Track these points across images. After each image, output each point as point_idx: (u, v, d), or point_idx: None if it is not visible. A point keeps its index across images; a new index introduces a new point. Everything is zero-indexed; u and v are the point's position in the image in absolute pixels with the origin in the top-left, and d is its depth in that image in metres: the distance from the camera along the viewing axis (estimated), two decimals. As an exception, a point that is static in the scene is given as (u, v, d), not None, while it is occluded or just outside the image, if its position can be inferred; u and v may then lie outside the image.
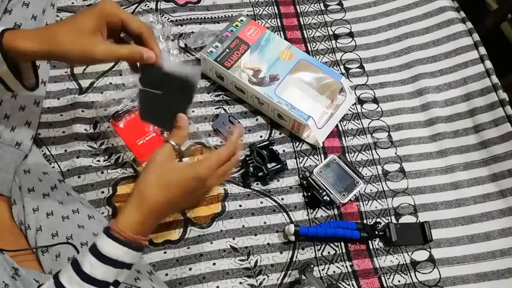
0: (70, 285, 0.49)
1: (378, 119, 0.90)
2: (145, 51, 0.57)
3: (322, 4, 1.03)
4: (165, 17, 0.96)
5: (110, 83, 0.87)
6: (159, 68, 0.58)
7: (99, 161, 0.80)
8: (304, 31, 0.99)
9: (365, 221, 0.80)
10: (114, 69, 0.89)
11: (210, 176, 0.54)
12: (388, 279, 0.75)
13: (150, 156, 0.54)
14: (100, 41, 0.56)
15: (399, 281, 0.75)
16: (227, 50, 0.86)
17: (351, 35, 1.00)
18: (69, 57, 0.56)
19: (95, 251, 0.50)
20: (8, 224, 0.66)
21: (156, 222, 0.54)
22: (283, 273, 0.74)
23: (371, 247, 0.78)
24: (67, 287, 0.49)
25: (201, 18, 0.97)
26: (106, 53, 0.56)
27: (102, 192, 0.77)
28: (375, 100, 0.92)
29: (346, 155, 0.86)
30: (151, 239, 0.74)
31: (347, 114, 0.90)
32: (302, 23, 1.00)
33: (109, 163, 0.80)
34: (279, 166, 0.80)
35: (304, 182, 0.81)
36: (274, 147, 0.83)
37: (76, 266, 0.49)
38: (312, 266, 0.71)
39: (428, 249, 0.78)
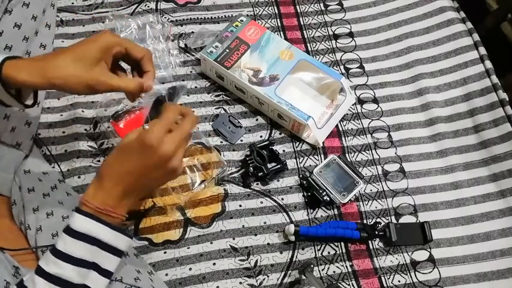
0: (47, 266, 0.49)
1: (378, 119, 0.90)
2: (145, 82, 0.59)
3: (322, 4, 1.03)
4: (165, 17, 0.96)
5: (110, 83, 0.87)
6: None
7: (99, 161, 0.80)
8: (304, 31, 0.99)
9: (365, 221, 0.80)
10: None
11: (160, 142, 0.52)
12: (388, 279, 0.75)
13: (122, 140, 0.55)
14: (101, 73, 0.56)
15: (399, 281, 0.75)
16: (227, 50, 0.86)
17: (351, 35, 1.00)
18: (73, 90, 0.56)
19: (67, 229, 0.50)
20: (8, 224, 0.66)
21: (124, 196, 0.53)
22: (283, 273, 0.74)
23: (371, 247, 0.78)
24: (44, 268, 0.49)
25: (201, 18, 0.97)
26: (107, 86, 0.56)
27: (102, 192, 0.77)
28: (375, 100, 0.92)
29: (346, 155, 0.86)
30: (151, 239, 0.74)
31: (347, 114, 0.90)
32: (302, 23, 1.00)
33: (109, 163, 0.80)
34: (279, 166, 0.80)
35: (304, 182, 0.81)
36: (274, 147, 0.83)
37: (53, 248, 0.50)
38: (312, 266, 0.71)
39: (428, 249, 0.78)
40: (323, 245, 0.77)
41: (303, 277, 0.72)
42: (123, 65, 0.64)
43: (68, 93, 0.59)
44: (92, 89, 0.56)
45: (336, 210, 0.80)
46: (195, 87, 0.90)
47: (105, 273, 0.53)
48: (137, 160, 0.52)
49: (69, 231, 0.50)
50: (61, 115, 0.83)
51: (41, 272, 0.49)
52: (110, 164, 0.54)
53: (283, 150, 0.85)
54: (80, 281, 0.50)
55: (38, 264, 0.50)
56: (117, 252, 0.53)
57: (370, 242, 0.78)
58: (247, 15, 0.98)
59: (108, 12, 0.94)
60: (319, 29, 1.00)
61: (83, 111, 0.83)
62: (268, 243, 0.76)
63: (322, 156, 0.85)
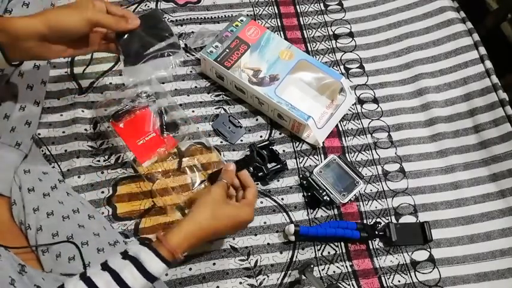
0: None
1: (378, 119, 0.90)
2: (131, 17, 0.65)
3: (322, 4, 1.03)
4: (165, 17, 0.96)
5: (110, 83, 0.87)
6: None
7: (99, 161, 0.80)
8: (304, 31, 0.99)
9: (365, 221, 0.80)
10: (114, 69, 0.89)
11: (251, 218, 0.65)
12: (388, 279, 0.75)
13: (207, 190, 0.64)
14: (89, 9, 0.60)
15: (399, 281, 0.75)
16: (227, 50, 0.86)
17: (351, 35, 1.00)
18: (67, 22, 0.59)
19: (139, 266, 0.52)
20: (8, 224, 0.66)
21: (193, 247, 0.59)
22: (283, 273, 0.74)
23: (371, 247, 0.78)
24: None
25: (201, 18, 0.97)
26: (98, 14, 0.61)
27: (102, 192, 0.77)
28: (375, 100, 0.92)
29: (346, 155, 0.86)
30: (151, 239, 0.74)
31: (347, 114, 0.90)
32: (302, 23, 1.00)
33: (109, 163, 0.80)
34: (279, 166, 0.80)
35: (304, 182, 0.81)
36: (274, 147, 0.83)
37: (114, 274, 0.50)
38: (312, 266, 0.71)
39: (428, 249, 0.78)
40: (323, 245, 0.77)
41: (303, 277, 0.72)
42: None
43: (64, 42, 0.61)
44: (88, 19, 0.59)
45: (336, 210, 0.80)
46: (195, 87, 0.90)
47: None
48: (227, 224, 0.62)
49: (143, 271, 0.52)
50: (61, 115, 0.83)
51: None
52: (204, 224, 0.59)
53: (283, 150, 0.85)
54: None
55: (95, 284, 0.49)
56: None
57: (370, 242, 0.78)
58: (247, 15, 0.98)
59: (108, 12, 0.94)
60: (319, 29, 1.00)
61: (83, 111, 0.83)
62: (268, 243, 0.76)
63: (322, 156, 0.85)
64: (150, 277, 0.52)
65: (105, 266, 0.52)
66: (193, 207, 0.61)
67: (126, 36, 0.66)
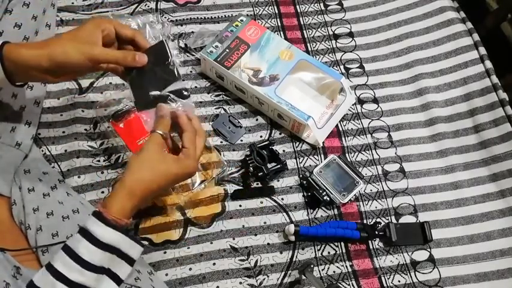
0: (70, 273, 0.50)
1: (378, 119, 0.90)
2: (138, 54, 0.62)
3: (322, 4, 1.03)
4: (165, 17, 0.96)
5: (110, 83, 0.87)
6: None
7: (99, 161, 0.80)
8: (304, 31, 0.99)
9: (365, 221, 0.80)
10: (114, 69, 0.89)
11: (195, 167, 0.60)
12: (388, 279, 0.75)
13: (142, 146, 0.59)
14: (96, 44, 0.59)
15: (399, 281, 0.75)
16: (227, 50, 0.86)
17: (351, 35, 1.00)
18: (70, 60, 0.57)
19: (91, 238, 0.51)
20: (8, 224, 0.66)
21: (143, 204, 0.58)
22: (283, 273, 0.74)
23: (371, 247, 0.78)
24: (66, 274, 0.50)
25: (201, 18, 0.97)
26: (102, 52, 0.59)
27: (102, 192, 0.77)
28: (375, 100, 0.92)
29: (346, 155, 0.86)
30: (151, 239, 0.74)
31: (347, 114, 0.90)
32: (302, 23, 1.00)
33: (109, 163, 0.80)
34: (279, 166, 0.80)
35: (304, 182, 0.81)
36: (274, 147, 0.83)
37: (71, 252, 0.51)
38: (312, 266, 0.71)
39: (428, 249, 0.78)
40: (323, 245, 0.77)
41: (303, 277, 0.72)
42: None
43: (68, 74, 0.61)
44: (91, 59, 0.58)
45: (336, 210, 0.80)
46: (195, 87, 0.90)
47: (117, 280, 0.54)
48: (168, 180, 0.58)
49: (94, 241, 0.52)
50: (61, 115, 0.83)
51: (63, 279, 0.50)
52: (142, 180, 0.56)
53: (283, 150, 0.85)
54: (95, 287, 0.52)
55: (56, 269, 0.50)
56: (130, 261, 0.55)
57: (370, 242, 0.78)
58: (247, 15, 0.98)
59: (108, 12, 0.94)
60: (319, 29, 1.00)
61: (83, 111, 0.83)
62: (268, 243, 0.76)
63: (322, 156, 0.85)
64: (104, 246, 0.52)
65: (64, 247, 0.52)
66: (128, 168, 0.57)
67: (133, 72, 0.64)
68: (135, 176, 0.56)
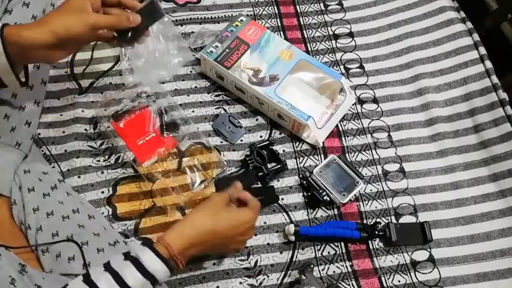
0: None
1: (378, 119, 0.90)
2: (131, 14, 0.64)
3: (322, 4, 1.03)
4: (165, 17, 0.95)
5: (110, 83, 0.87)
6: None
7: (99, 161, 0.80)
8: (304, 31, 0.99)
9: (365, 221, 0.80)
10: (114, 69, 0.89)
11: (253, 225, 0.65)
12: (388, 279, 0.75)
13: (210, 195, 0.64)
14: (91, 12, 0.61)
15: (399, 281, 0.75)
16: (227, 50, 0.86)
17: (351, 35, 1.00)
18: (73, 30, 0.59)
19: (138, 266, 0.52)
20: (8, 224, 0.66)
21: (195, 253, 0.59)
22: (283, 273, 0.74)
23: (371, 247, 0.78)
24: None
25: (201, 18, 0.97)
26: (99, 19, 0.61)
27: (102, 192, 0.77)
28: (375, 100, 0.92)
29: (346, 155, 0.86)
30: (151, 239, 0.74)
31: (347, 114, 0.90)
32: (302, 23, 1.00)
33: (109, 163, 0.80)
34: (279, 166, 0.80)
35: (304, 182, 0.81)
36: (274, 147, 0.83)
37: (116, 275, 0.51)
38: (312, 266, 0.71)
39: (428, 249, 0.78)
40: (323, 245, 0.77)
41: (303, 277, 0.72)
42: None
43: (70, 47, 0.62)
44: (88, 23, 0.60)
45: (336, 210, 0.80)
46: (195, 87, 0.90)
47: None
48: (228, 227, 0.61)
49: (143, 271, 0.52)
50: (61, 115, 0.83)
51: None
52: (203, 223, 0.59)
53: (283, 150, 0.85)
54: None
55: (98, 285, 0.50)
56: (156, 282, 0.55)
57: (370, 242, 0.78)
58: (247, 15, 0.98)
59: (108, 12, 0.94)
60: (319, 29, 1.00)
61: (83, 111, 0.83)
62: (268, 243, 0.76)
63: (322, 156, 0.85)
64: (150, 277, 0.52)
65: (107, 267, 0.52)
66: (192, 210, 0.61)
67: (129, 34, 0.66)
68: (195, 217, 0.60)
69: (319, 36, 0.99)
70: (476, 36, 0.96)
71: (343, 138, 0.87)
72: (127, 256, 0.53)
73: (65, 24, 0.59)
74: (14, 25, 0.59)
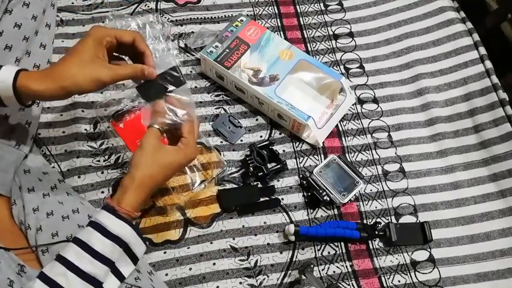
0: (81, 263, 0.52)
1: (378, 119, 0.90)
2: (146, 68, 0.63)
3: (322, 4, 1.03)
4: (165, 17, 0.96)
5: (110, 83, 0.87)
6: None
7: (99, 161, 0.80)
8: (304, 31, 0.99)
9: (365, 221, 0.80)
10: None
11: (195, 153, 0.64)
12: (388, 279, 0.75)
13: (141, 141, 0.61)
14: (103, 65, 0.59)
15: (399, 281, 0.75)
16: (227, 50, 0.86)
17: (351, 35, 1.00)
18: (83, 88, 0.58)
19: (102, 230, 0.53)
20: (8, 224, 0.66)
21: (144, 198, 0.60)
22: (283, 273, 0.74)
23: (371, 247, 0.78)
24: (77, 264, 0.51)
25: (201, 18, 0.97)
26: (112, 76, 0.59)
27: (102, 192, 0.77)
28: (375, 100, 0.92)
29: (346, 155, 0.86)
30: (151, 239, 0.74)
31: (347, 114, 0.90)
32: (302, 23, 1.00)
33: (109, 163, 0.80)
34: (279, 166, 0.80)
35: (304, 182, 0.81)
36: (274, 147, 0.83)
37: (82, 244, 0.52)
38: (312, 266, 0.71)
39: (428, 249, 0.78)
40: (323, 245, 0.77)
41: (303, 277, 0.72)
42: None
43: (79, 94, 0.62)
44: (99, 82, 0.58)
45: (336, 210, 0.80)
46: (195, 87, 0.90)
47: (120, 277, 0.56)
48: (172, 169, 0.61)
49: (106, 233, 0.53)
50: (61, 115, 0.83)
51: (75, 269, 0.51)
52: (150, 175, 0.59)
53: (283, 150, 0.85)
54: (103, 280, 0.53)
55: (69, 260, 0.52)
56: (135, 259, 0.57)
57: (370, 242, 0.78)
58: (247, 15, 0.98)
59: (108, 12, 0.94)
60: (319, 29, 1.00)
61: (83, 111, 0.83)
62: (268, 243, 0.76)
63: (322, 156, 0.85)
64: (115, 238, 0.54)
65: (73, 239, 0.54)
66: (134, 164, 0.59)
67: (152, 91, 0.65)
68: (143, 171, 0.58)
69: (319, 36, 0.99)
70: (476, 36, 0.96)
71: (343, 138, 0.87)
72: (90, 223, 0.55)
73: (74, 80, 0.57)
74: (24, 73, 0.57)
